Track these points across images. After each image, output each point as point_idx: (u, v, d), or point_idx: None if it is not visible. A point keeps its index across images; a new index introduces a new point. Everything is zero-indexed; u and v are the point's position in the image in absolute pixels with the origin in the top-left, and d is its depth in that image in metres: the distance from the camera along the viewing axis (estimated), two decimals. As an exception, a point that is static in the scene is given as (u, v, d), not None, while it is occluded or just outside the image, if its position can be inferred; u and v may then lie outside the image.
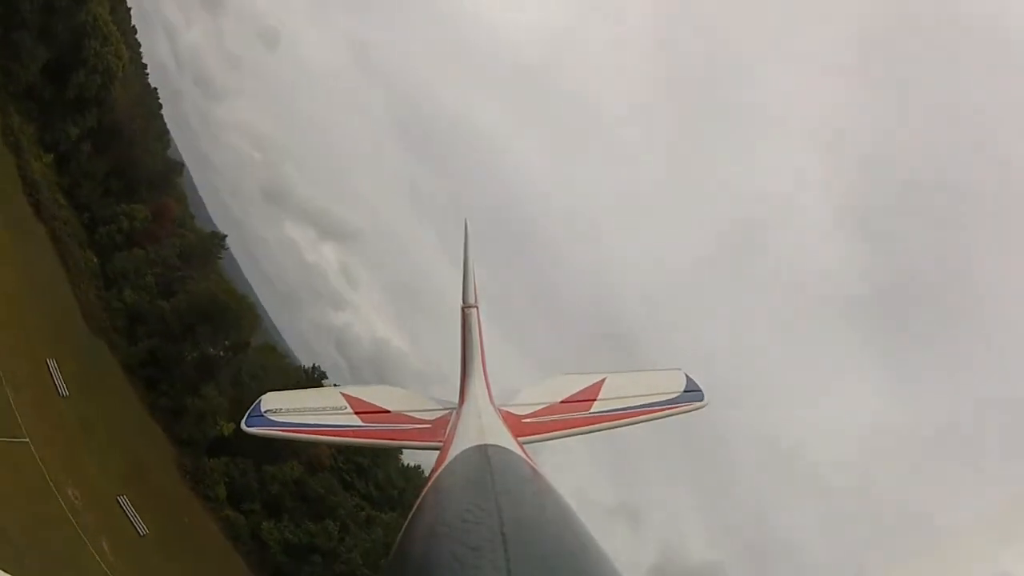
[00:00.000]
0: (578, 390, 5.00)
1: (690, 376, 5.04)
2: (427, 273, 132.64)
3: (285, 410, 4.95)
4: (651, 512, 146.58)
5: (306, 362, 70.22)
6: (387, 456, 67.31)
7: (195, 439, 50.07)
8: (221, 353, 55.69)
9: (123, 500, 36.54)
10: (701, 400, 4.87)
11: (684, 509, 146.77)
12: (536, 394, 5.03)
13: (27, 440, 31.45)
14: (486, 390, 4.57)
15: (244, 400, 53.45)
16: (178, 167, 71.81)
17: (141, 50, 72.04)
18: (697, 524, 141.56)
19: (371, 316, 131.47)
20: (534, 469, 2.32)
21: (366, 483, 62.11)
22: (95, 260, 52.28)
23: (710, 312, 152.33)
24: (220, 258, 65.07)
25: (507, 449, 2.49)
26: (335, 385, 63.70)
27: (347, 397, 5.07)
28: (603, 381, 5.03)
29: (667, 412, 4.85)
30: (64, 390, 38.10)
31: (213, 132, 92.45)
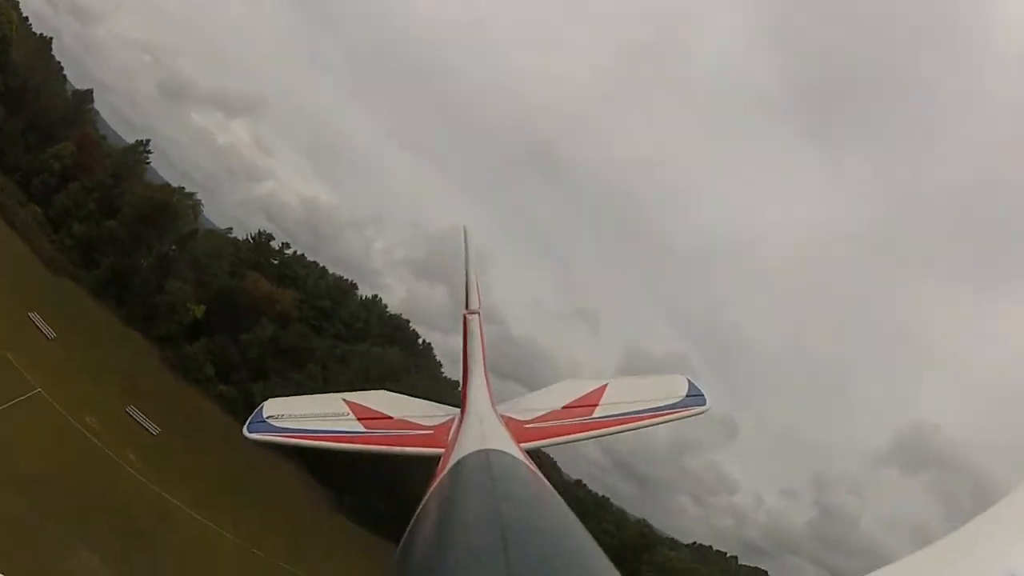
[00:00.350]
0: (580, 395, 5.09)
1: (692, 381, 5.14)
2: (336, 121, 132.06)
3: (287, 416, 5.04)
4: (609, 316, 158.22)
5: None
6: (345, 294, 75.43)
7: (172, 332, 57.28)
8: (173, 248, 60.82)
9: (131, 410, 45.00)
10: (703, 405, 4.95)
11: (641, 310, 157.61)
12: (538, 400, 5.16)
13: (38, 390, 38.65)
14: (488, 396, 4.58)
15: (207, 282, 60.04)
16: (88, 95, 70.22)
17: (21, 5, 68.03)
18: (656, 322, 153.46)
19: (293, 179, 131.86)
20: (536, 474, 2.37)
21: (333, 324, 70.13)
22: (39, 210, 55.43)
23: (635, 122, 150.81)
24: (147, 163, 66.88)
25: (509, 454, 2.52)
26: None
27: (349, 403, 5.15)
28: (605, 387, 5.13)
29: (669, 416, 4.92)
30: (51, 333, 44.52)
31: (101, 54, 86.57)
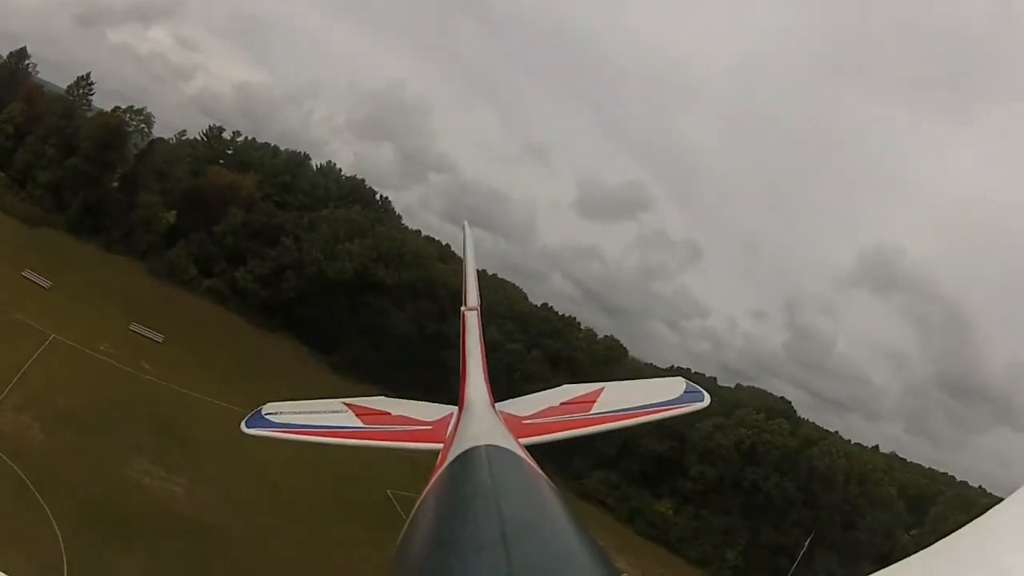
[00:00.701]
0: (578, 395, 5.23)
1: (689, 381, 5.22)
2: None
3: (285, 413, 5.15)
4: (560, 150, 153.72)
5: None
6: (300, 166, 79.60)
7: (152, 243, 63.58)
8: (134, 165, 64.89)
9: (134, 327, 52.96)
10: (701, 400, 4.98)
11: (592, 140, 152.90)
12: (536, 399, 5.29)
13: (52, 336, 46.25)
14: (486, 392, 4.58)
15: (172, 188, 64.89)
16: (22, 53, 68.56)
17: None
18: (606, 150, 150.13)
19: (222, 68, 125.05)
20: (535, 470, 2.38)
21: (295, 196, 74.88)
22: (2, 175, 58.94)
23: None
24: (91, 95, 68.05)
25: (508, 450, 2.54)
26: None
27: (348, 405, 5.29)
28: (603, 389, 5.23)
29: (667, 412, 4.94)
30: (46, 283, 51.19)
31: (16, 9, 79.48)
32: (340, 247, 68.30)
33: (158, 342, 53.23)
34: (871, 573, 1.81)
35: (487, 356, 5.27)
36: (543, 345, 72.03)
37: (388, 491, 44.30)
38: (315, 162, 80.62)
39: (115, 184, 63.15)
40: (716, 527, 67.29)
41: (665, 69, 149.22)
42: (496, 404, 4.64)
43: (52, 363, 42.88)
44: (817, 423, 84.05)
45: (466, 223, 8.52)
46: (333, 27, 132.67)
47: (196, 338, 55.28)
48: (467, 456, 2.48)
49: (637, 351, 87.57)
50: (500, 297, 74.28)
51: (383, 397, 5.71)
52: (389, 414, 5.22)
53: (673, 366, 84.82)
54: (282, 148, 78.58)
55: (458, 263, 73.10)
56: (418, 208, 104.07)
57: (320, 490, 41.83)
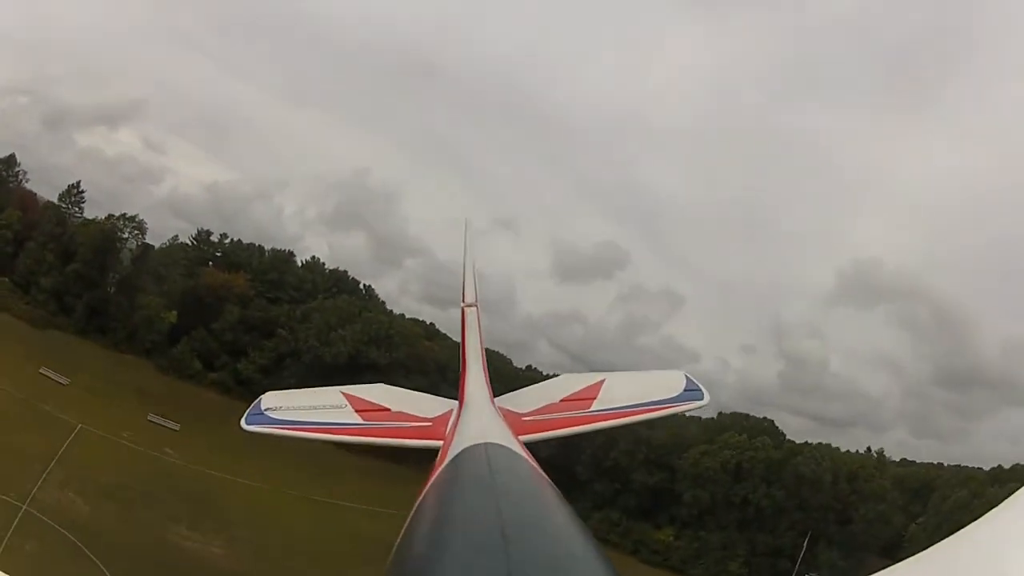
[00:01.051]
0: (578, 389, 5.19)
1: (690, 377, 5.17)
2: (218, 97, 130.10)
3: (285, 408, 5.13)
4: (529, 217, 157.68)
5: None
6: (286, 263, 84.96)
7: (157, 342, 67.15)
8: (131, 269, 69.51)
9: (152, 417, 56.17)
10: (701, 399, 4.98)
11: (556, 204, 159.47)
12: (536, 394, 5.33)
13: (80, 425, 49.14)
14: (486, 389, 4.67)
15: (169, 289, 69.12)
16: (11, 160, 73.95)
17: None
18: (575, 213, 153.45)
19: (189, 168, 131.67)
20: (534, 468, 2.38)
21: (285, 291, 79.31)
22: (6, 280, 63.19)
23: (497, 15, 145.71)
24: (83, 201, 73.42)
25: (507, 447, 2.53)
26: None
27: (347, 396, 5.28)
28: (603, 382, 5.21)
29: (667, 409, 4.94)
30: (63, 380, 54.36)
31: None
32: (333, 334, 72.97)
33: (175, 430, 56.45)
34: (873, 573, 1.86)
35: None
36: None
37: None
38: (299, 258, 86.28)
39: (113, 288, 66.97)
40: (715, 544, 71.12)
41: (623, 122, 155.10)
42: (496, 400, 4.59)
43: (84, 448, 46.01)
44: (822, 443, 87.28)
45: (467, 220, 8.56)
46: (296, 118, 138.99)
47: (209, 425, 58.10)
48: (467, 454, 2.46)
49: None
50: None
51: (382, 385, 5.72)
52: (389, 410, 5.14)
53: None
54: (265, 246, 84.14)
55: (443, 339, 76.55)
56: (397, 294, 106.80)
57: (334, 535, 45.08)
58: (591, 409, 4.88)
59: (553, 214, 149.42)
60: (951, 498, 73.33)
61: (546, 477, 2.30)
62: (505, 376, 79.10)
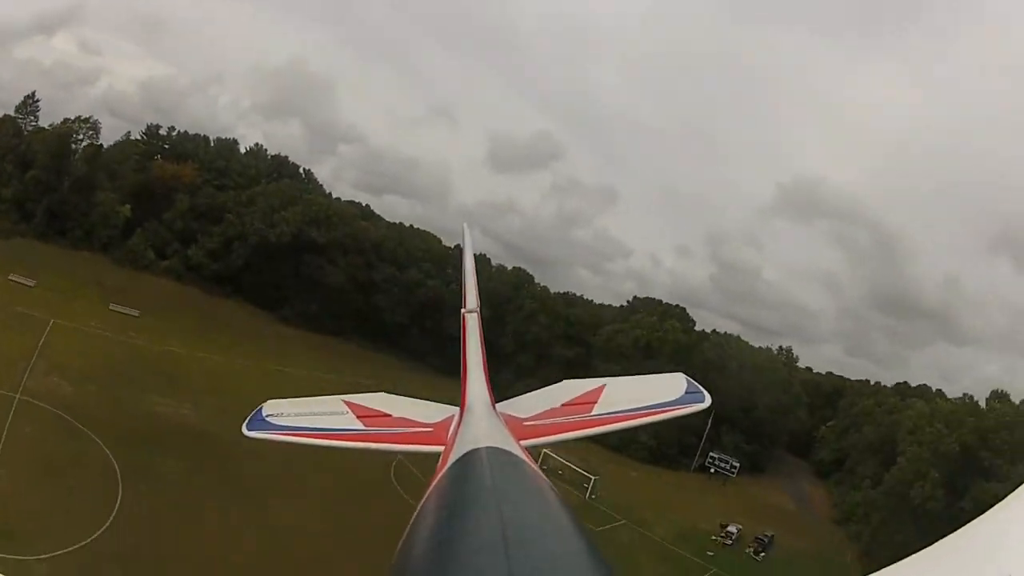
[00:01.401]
0: (579, 394, 5.19)
1: (691, 380, 5.23)
2: None
3: (285, 414, 5.18)
4: (467, 109, 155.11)
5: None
6: (231, 151, 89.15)
7: (113, 237, 73.13)
8: (87, 170, 73.33)
9: (114, 306, 63.43)
10: (702, 401, 5.01)
11: (498, 97, 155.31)
12: (537, 399, 5.26)
13: (52, 320, 55.98)
14: (487, 394, 4.60)
15: (123, 185, 73.83)
16: None
17: None
18: (516, 106, 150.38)
19: (127, 67, 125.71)
20: (536, 472, 2.41)
21: (231, 178, 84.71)
22: None
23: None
24: (38, 111, 76.04)
25: (509, 452, 2.56)
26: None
27: (348, 404, 5.31)
28: (604, 387, 5.22)
29: (668, 413, 4.93)
30: (31, 282, 60.20)
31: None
32: (277, 216, 79.04)
33: (136, 316, 63.77)
34: (872, 573, 1.84)
35: (487, 357, 5.14)
36: (459, 280, 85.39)
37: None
38: (242, 146, 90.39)
39: (69, 190, 71.30)
40: None
41: (570, 19, 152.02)
42: (497, 405, 4.63)
43: (59, 340, 52.91)
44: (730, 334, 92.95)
45: (465, 225, 8.43)
46: (231, 11, 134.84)
47: (165, 310, 66.24)
48: (468, 458, 2.47)
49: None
50: (417, 243, 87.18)
51: (383, 394, 5.71)
52: (390, 416, 5.20)
53: (594, 300, 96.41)
54: (210, 136, 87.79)
55: (378, 220, 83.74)
56: (332, 181, 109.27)
57: (284, 395, 54.94)
58: (592, 413, 4.91)
59: (490, 106, 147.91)
60: (858, 405, 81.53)
61: (547, 481, 2.31)
62: (437, 256, 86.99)
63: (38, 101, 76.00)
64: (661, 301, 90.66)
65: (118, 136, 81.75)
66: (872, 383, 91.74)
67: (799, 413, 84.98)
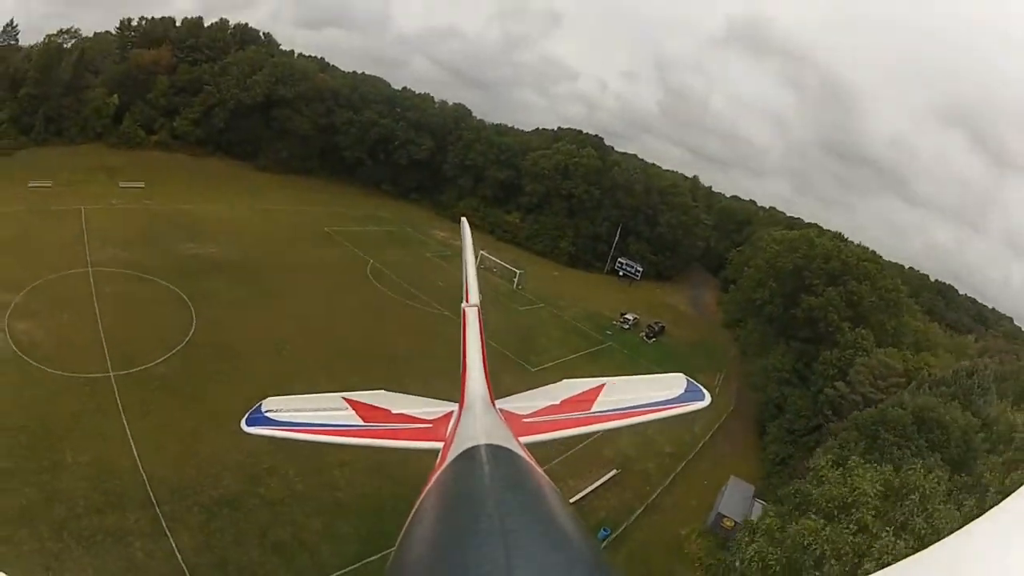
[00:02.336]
0: (578, 392, 5.28)
1: (690, 379, 5.32)
2: None
3: (285, 411, 5.36)
4: None
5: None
6: (198, 27, 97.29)
7: (105, 125, 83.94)
8: (73, 72, 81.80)
9: (123, 184, 76.50)
10: (702, 399, 5.11)
11: None
12: (537, 397, 5.34)
13: (82, 206, 70.15)
14: (487, 390, 4.67)
15: (106, 79, 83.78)
16: None
17: None
18: None
19: None
20: (534, 468, 2.46)
21: (203, 52, 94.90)
22: None
23: None
24: (18, 33, 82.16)
25: (508, 448, 2.61)
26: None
27: (348, 401, 5.45)
28: (603, 386, 5.30)
29: (667, 411, 5.02)
30: (48, 184, 72.95)
31: None
32: (249, 80, 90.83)
33: (143, 187, 76.92)
34: (871, 574, 2.26)
35: (486, 352, 5.17)
36: (407, 118, 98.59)
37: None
38: (206, 21, 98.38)
39: (62, 94, 79.80)
40: (550, 227, 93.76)
41: None
42: (496, 402, 4.68)
43: (96, 221, 66.23)
44: (701, 179, 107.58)
45: (464, 220, 9.28)
46: None
47: (165, 177, 79.80)
48: (467, 455, 2.52)
49: (508, 118, 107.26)
50: (369, 87, 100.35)
51: (383, 391, 5.79)
52: (390, 412, 5.33)
53: (537, 128, 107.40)
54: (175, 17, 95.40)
55: (333, 70, 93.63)
56: (272, 23, 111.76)
57: (279, 228, 71.30)
58: (591, 410, 4.95)
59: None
60: (759, 231, 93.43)
61: (546, 477, 2.33)
62: (387, 97, 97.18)
63: (17, 26, 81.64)
64: (581, 131, 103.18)
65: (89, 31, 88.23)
66: (783, 214, 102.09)
67: (699, 232, 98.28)
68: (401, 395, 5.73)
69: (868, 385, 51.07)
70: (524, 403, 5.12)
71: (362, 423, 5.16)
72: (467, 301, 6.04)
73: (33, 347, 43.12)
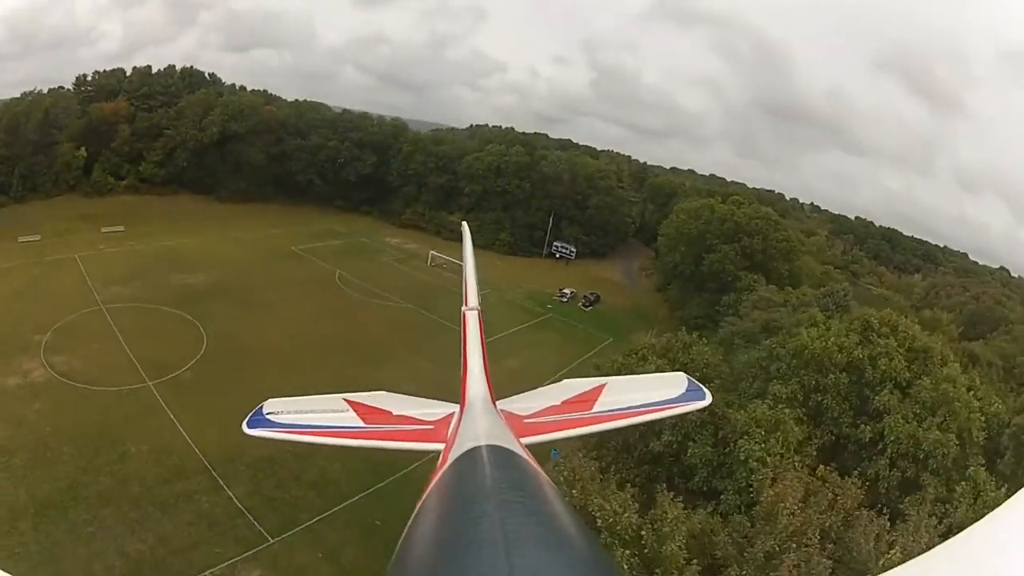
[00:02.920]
0: (579, 393, 5.26)
1: (691, 379, 5.31)
2: None
3: (286, 413, 5.32)
4: None
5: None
6: (148, 76, 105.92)
7: (78, 177, 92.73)
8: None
9: (105, 230, 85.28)
10: (703, 398, 5.07)
11: None
12: (537, 397, 5.36)
13: (76, 254, 78.79)
14: (487, 391, 4.69)
15: (72, 134, 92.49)
16: None
17: None
18: None
19: None
20: (536, 469, 2.44)
21: (156, 96, 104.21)
22: None
23: None
24: None
25: (509, 449, 2.61)
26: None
27: (349, 402, 5.43)
28: (604, 386, 5.26)
29: (668, 410, 5.05)
30: (36, 238, 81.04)
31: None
32: (204, 120, 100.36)
33: (123, 231, 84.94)
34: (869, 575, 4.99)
35: (487, 354, 5.20)
36: (350, 138, 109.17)
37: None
38: (154, 67, 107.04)
39: (33, 152, 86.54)
40: (490, 222, 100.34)
41: None
42: (497, 402, 4.70)
43: (92, 266, 71.41)
44: (637, 155, 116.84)
45: (464, 224, 9.28)
46: None
47: (139, 219, 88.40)
48: (468, 456, 2.51)
49: (441, 117, 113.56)
50: (313, 113, 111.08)
51: (384, 392, 5.77)
52: (390, 413, 5.31)
53: (472, 125, 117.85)
54: (125, 68, 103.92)
55: (276, 100, 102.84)
56: (199, 50, 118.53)
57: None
58: (592, 411, 4.96)
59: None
60: (683, 200, 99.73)
61: (547, 478, 2.32)
62: (329, 120, 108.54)
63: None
64: (512, 129, 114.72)
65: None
66: (724, 180, 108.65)
67: (626, 210, 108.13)
68: (402, 396, 5.75)
69: (753, 316, 64.34)
70: (525, 404, 5.14)
71: (363, 425, 5.20)
72: (466, 304, 6.11)
73: (74, 373, 52.62)
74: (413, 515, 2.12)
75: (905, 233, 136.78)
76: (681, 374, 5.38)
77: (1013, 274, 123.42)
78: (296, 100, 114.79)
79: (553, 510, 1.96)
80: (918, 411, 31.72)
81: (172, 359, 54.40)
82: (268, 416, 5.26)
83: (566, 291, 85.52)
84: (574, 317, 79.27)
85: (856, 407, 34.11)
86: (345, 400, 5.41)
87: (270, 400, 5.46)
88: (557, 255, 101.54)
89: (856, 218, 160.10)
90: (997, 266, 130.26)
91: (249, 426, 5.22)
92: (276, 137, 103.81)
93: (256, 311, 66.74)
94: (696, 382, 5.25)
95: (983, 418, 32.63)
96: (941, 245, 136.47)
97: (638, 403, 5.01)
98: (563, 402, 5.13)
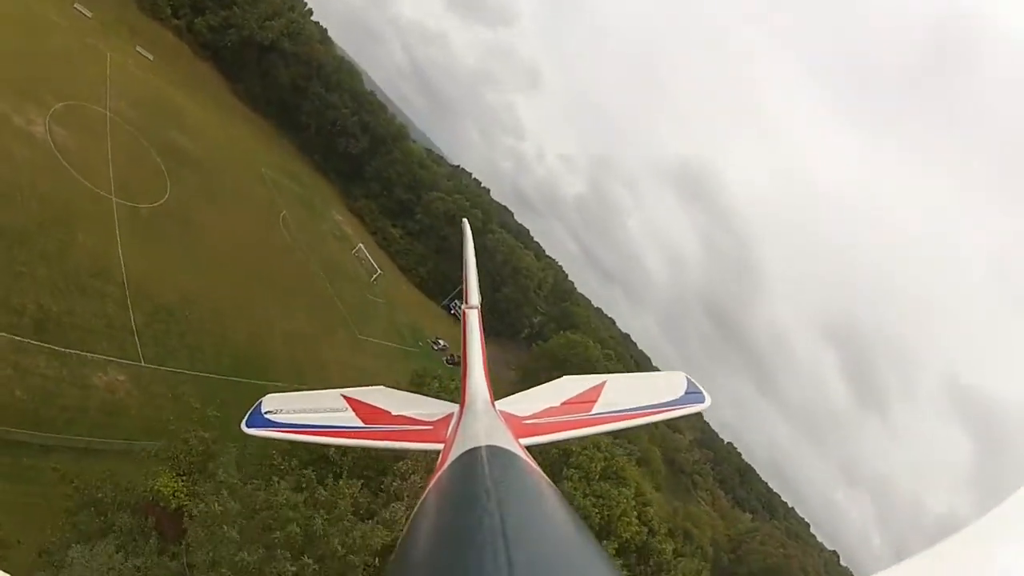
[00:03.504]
0: (579, 392, 5.19)
1: (691, 379, 5.21)
2: None
3: (285, 411, 5.25)
4: None
5: None
6: None
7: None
8: None
9: (138, 48, 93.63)
10: (703, 401, 5.02)
11: None
12: (537, 397, 5.25)
13: (109, 54, 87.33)
14: (487, 391, 4.59)
15: None
16: None
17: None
18: None
19: None
20: (535, 470, 2.40)
21: None
22: None
23: None
24: None
25: (508, 450, 2.54)
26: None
27: (347, 399, 5.36)
28: (604, 384, 5.20)
29: (669, 413, 4.98)
30: (88, 14, 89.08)
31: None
32: (267, 23, 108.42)
33: (151, 60, 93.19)
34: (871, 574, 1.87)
35: (487, 355, 5.18)
36: (361, 116, 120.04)
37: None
38: None
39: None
40: (418, 252, 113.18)
41: None
42: (496, 403, 4.62)
43: (116, 74, 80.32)
44: (575, 278, 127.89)
45: (465, 221, 8.63)
46: None
47: (168, 59, 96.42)
48: (467, 457, 2.47)
49: (440, 139, 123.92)
50: (345, 75, 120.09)
51: (383, 389, 5.69)
52: (390, 412, 5.25)
53: (458, 166, 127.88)
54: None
55: (331, 45, 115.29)
56: None
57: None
58: (592, 412, 4.90)
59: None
60: (571, 333, 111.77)
61: (547, 479, 2.32)
62: (357, 93, 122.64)
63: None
64: (488, 192, 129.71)
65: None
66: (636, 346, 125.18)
67: (529, 314, 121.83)
68: (401, 393, 5.75)
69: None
70: (524, 404, 5.02)
71: (362, 424, 5.13)
72: (467, 303, 5.94)
73: (67, 153, 62.70)
74: (412, 515, 2.14)
75: (762, 478, 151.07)
76: (681, 373, 5.33)
77: (841, 562, 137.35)
78: (341, 56, 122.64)
79: (552, 511, 1.98)
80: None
81: (141, 191, 66.06)
82: (267, 415, 5.27)
83: (441, 341, 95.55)
84: (433, 363, 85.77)
85: None
86: (344, 397, 5.42)
87: (268, 396, 5.48)
88: (452, 311, 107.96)
89: (727, 443, 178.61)
90: (832, 548, 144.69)
91: (248, 425, 5.17)
92: (307, 73, 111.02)
93: (214, 195, 78.68)
94: (696, 384, 5.18)
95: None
96: (789, 504, 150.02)
97: (638, 404, 5.05)
98: (562, 403, 5.14)
